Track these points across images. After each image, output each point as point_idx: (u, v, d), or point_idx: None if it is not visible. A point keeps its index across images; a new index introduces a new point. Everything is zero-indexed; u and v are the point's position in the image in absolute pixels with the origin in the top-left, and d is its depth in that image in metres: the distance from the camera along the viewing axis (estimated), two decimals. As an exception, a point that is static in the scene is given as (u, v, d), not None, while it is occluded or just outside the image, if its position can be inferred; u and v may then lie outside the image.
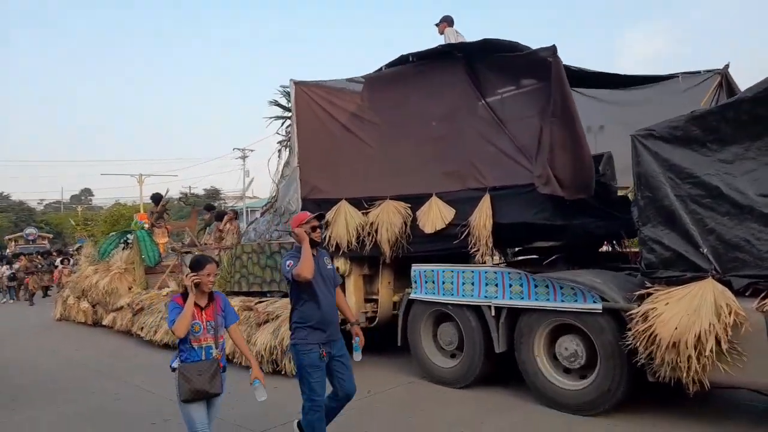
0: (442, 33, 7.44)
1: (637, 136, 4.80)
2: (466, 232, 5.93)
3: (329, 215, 7.01)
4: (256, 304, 7.74)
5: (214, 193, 56.90)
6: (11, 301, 19.76)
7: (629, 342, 4.57)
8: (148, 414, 5.89)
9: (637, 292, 4.70)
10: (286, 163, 7.60)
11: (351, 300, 7.21)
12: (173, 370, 3.79)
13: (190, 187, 55.01)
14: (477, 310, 5.88)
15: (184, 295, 3.73)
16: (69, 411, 6.18)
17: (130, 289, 11.55)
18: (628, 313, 4.67)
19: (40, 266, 19.08)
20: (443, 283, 6.12)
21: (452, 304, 6.05)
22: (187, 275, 3.84)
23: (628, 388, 4.91)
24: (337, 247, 6.99)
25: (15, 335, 12.06)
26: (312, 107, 7.41)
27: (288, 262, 4.18)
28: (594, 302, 4.94)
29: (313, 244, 4.28)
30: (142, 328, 9.63)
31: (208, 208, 13.91)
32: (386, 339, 7.03)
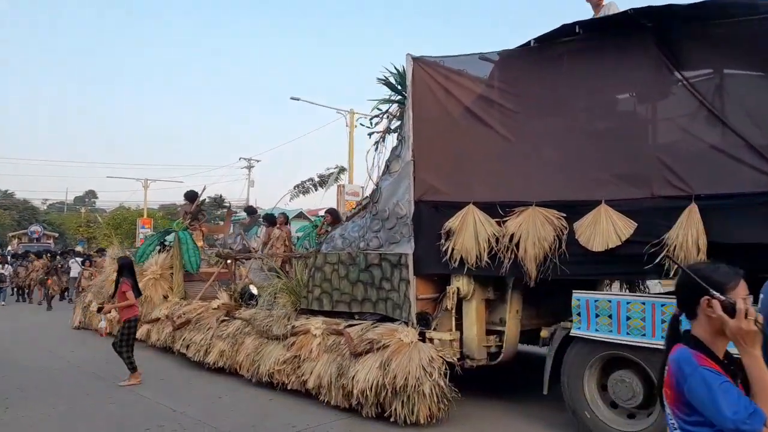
0: (598, 5, 6.02)
1: None
2: (657, 253, 4.53)
3: (452, 223, 5.61)
4: (345, 327, 6.29)
5: (218, 201, 55.93)
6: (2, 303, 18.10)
7: None
8: None
9: None
10: (395, 156, 6.17)
11: (471, 331, 5.80)
12: None
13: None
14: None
15: (706, 352, 1.84)
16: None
17: (165, 298, 10.10)
18: None
19: (60, 266, 17.47)
20: (627, 318, 4.66)
21: (641, 348, 4.59)
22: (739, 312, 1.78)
23: None
24: (461, 262, 5.57)
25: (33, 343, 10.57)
26: (432, 89, 6.04)
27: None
28: None
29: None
30: (188, 346, 8.17)
31: (250, 211, 12.48)
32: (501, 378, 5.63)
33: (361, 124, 7.59)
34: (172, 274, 10.35)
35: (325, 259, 6.89)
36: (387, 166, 6.34)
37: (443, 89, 6.02)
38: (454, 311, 5.80)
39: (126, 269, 8.05)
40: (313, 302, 6.93)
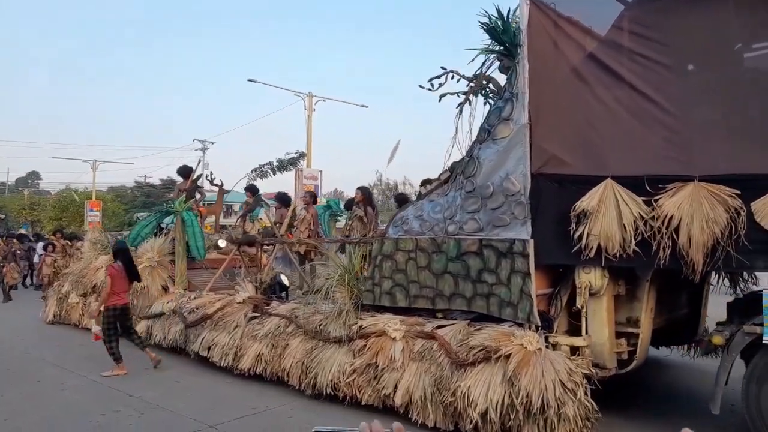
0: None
1: None
2: None
3: (587, 203, 4.50)
4: (436, 329, 5.13)
5: (170, 184, 53.70)
6: None
7: None
8: None
9: None
10: (502, 120, 4.99)
11: (602, 334, 4.73)
12: None
13: (145, 176, 51.86)
14: None
15: None
16: None
17: (165, 289, 8.66)
18: None
19: (18, 252, 15.42)
20: None
21: None
22: None
23: None
24: (598, 251, 4.48)
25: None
26: (553, 37, 4.90)
27: None
28: None
29: None
30: (209, 348, 6.81)
31: (252, 190, 11.03)
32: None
33: (420, 87, 6.33)
34: (172, 261, 8.89)
35: (396, 245, 5.67)
36: (488, 132, 5.15)
37: (568, 38, 4.89)
38: (585, 311, 4.71)
39: (120, 255, 7.17)
40: (382, 297, 5.71)
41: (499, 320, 4.94)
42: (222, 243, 10.13)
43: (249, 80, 27.26)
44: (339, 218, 10.90)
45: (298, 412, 5.41)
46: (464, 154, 5.45)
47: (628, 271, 4.86)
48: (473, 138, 5.47)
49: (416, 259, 5.50)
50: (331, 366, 5.50)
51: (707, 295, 6.05)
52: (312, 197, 9.60)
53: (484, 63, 5.54)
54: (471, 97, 5.74)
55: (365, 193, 8.47)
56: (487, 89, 6.05)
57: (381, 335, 5.31)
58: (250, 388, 6.09)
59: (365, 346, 5.37)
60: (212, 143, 50.18)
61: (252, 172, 14.06)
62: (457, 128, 5.62)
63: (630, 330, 4.91)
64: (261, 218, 11.17)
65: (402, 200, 8.84)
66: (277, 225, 8.91)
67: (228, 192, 12.20)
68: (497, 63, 5.52)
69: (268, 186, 16.64)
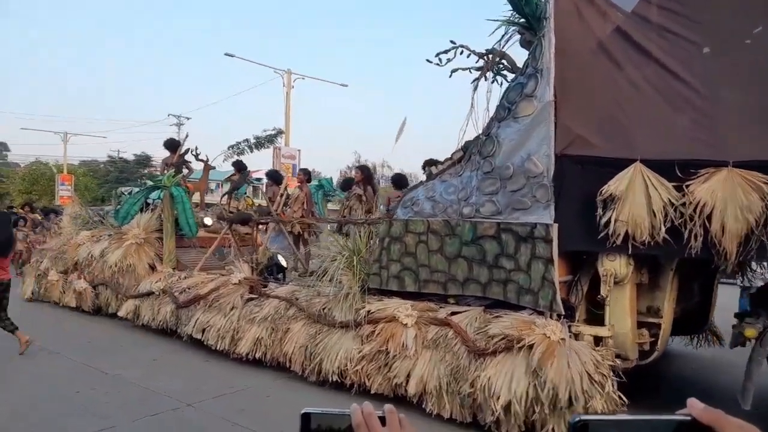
0: None
1: None
2: None
3: (615, 187, 4.29)
4: (449, 315, 4.91)
5: (144, 160, 52.68)
6: None
7: None
8: None
9: None
10: (524, 97, 4.73)
11: (624, 324, 4.58)
12: None
13: (119, 150, 50.75)
14: None
15: None
16: None
17: (152, 268, 8.29)
18: None
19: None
20: None
21: None
22: None
23: None
24: (625, 238, 4.28)
25: None
26: (581, 11, 4.66)
27: None
28: None
29: None
30: (203, 330, 6.51)
31: (238, 166, 10.62)
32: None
33: (428, 61, 6.03)
34: (159, 239, 8.52)
35: (405, 227, 5.41)
36: (508, 109, 4.88)
37: (593, 9, 4.64)
38: (609, 299, 4.53)
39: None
40: (389, 281, 5.46)
41: (516, 307, 4.74)
42: (209, 221, 9.77)
43: (226, 54, 26.59)
44: (330, 198, 10.59)
45: (276, 391, 5.38)
46: (481, 132, 5.18)
47: (651, 259, 4.69)
48: (489, 115, 5.21)
49: (427, 242, 5.26)
50: (338, 352, 5.26)
51: (717, 284, 5.96)
52: (306, 175, 9.26)
53: (503, 37, 5.25)
54: (487, 73, 5.44)
55: (365, 172, 8.19)
56: (500, 65, 5.78)
57: (391, 321, 5.07)
58: (229, 368, 6.02)
59: (374, 332, 5.14)
60: (188, 118, 49.54)
61: (228, 149, 13.70)
62: (472, 104, 5.34)
63: (651, 320, 4.76)
64: (247, 196, 10.78)
65: (399, 181, 8.59)
66: (271, 203, 8.57)
67: (213, 168, 11.76)
68: (517, 37, 5.24)
69: (247, 164, 16.22)
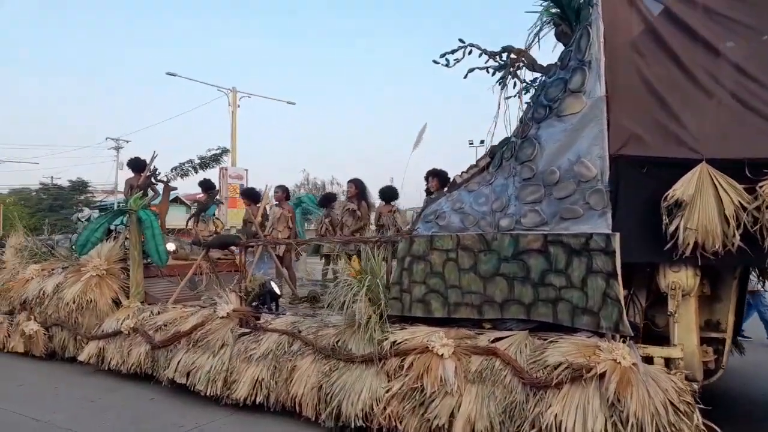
0: None
1: None
2: None
3: (680, 190, 3.82)
4: (493, 341, 4.30)
5: (80, 185, 50.39)
6: None
7: None
8: None
9: None
10: (568, 93, 4.23)
11: (690, 341, 4.09)
12: None
13: (52, 177, 48.36)
14: None
15: None
16: None
17: (117, 303, 7.31)
18: None
19: None
20: None
21: None
22: None
23: None
24: (694, 247, 3.81)
25: None
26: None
27: None
28: None
29: None
30: (188, 374, 5.65)
31: (206, 186, 9.76)
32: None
33: (434, 62, 5.50)
34: (123, 269, 7.56)
35: (430, 244, 4.79)
36: (548, 107, 4.37)
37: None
38: (676, 316, 4.03)
39: None
40: (413, 306, 4.81)
41: (564, 329, 4.19)
42: (171, 246, 8.85)
43: (168, 74, 25.90)
44: (310, 217, 9.87)
45: (230, 427, 4.96)
46: (513, 135, 4.65)
47: (711, 269, 4.24)
48: (517, 116, 4.71)
49: (458, 260, 4.65)
50: (359, 392, 4.55)
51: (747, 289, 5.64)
52: (285, 192, 8.51)
53: (540, 28, 4.77)
54: (510, 70, 4.95)
55: (359, 186, 7.52)
56: (521, 63, 5.31)
57: (423, 352, 4.42)
58: (174, 404, 5.58)
59: (402, 365, 4.47)
60: (127, 141, 48.20)
61: (172, 171, 12.86)
62: (499, 106, 4.83)
63: (713, 335, 4.30)
64: (216, 218, 9.90)
65: (388, 193, 8.01)
66: (249, 224, 7.78)
67: (175, 189, 10.81)
68: (547, 30, 4.79)
69: (189, 186, 15.40)
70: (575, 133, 4.18)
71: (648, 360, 3.93)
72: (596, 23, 4.12)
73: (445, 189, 5.14)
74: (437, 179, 7.08)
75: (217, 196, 10.18)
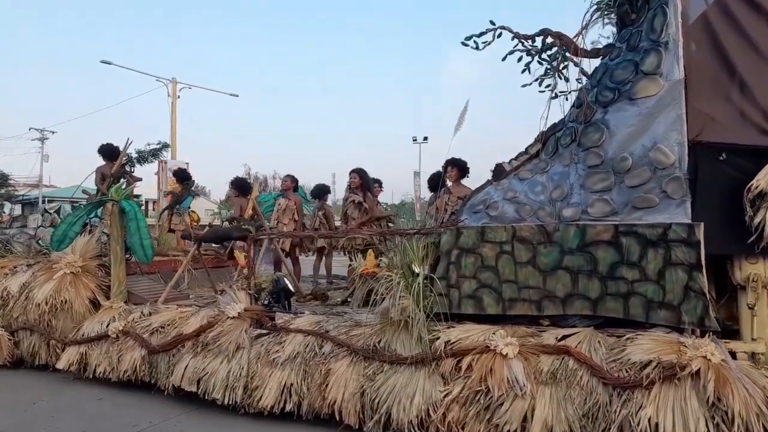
0: None
1: None
2: None
3: (763, 181, 3.67)
4: (560, 339, 4.02)
5: (1, 178, 47.17)
6: None
7: None
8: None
9: None
10: (641, 76, 4.00)
11: (765, 335, 3.92)
12: None
13: None
14: None
15: None
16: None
17: (95, 304, 6.58)
18: None
19: None
20: None
21: None
22: None
23: None
24: (779, 238, 3.67)
25: None
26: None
27: None
28: None
29: None
30: (198, 381, 5.08)
31: (181, 176, 9.04)
32: None
33: (463, 44, 5.17)
34: (102, 265, 6.83)
35: (481, 236, 4.45)
36: (616, 90, 4.13)
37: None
38: (756, 310, 3.87)
39: None
40: (462, 302, 4.46)
41: (635, 325, 3.97)
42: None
43: (102, 62, 24.54)
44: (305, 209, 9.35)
45: (188, 426, 4.76)
46: (568, 119, 4.38)
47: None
48: (565, 102, 4.45)
49: (513, 253, 4.34)
50: (411, 396, 4.16)
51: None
52: (294, 182, 7.96)
53: (601, 9, 4.51)
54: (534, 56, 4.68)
55: (363, 177, 7.09)
56: (555, 46, 5.05)
57: (483, 352, 4.08)
58: (125, 403, 5.38)
59: (460, 367, 4.12)
60: (53, 132, 45.81)
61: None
62: (556, 95, 4.53)
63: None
64: (192, 211, 9.19)
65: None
66: (240, 217, 7.20)
67: (140, 180, 9.99)
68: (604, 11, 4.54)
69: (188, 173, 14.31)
70: (650, 118, 3.96)
71: (731, 356, 3.75)
72: (673, 2, 3.91)
73: (489, 178, 4.79)
74: (456, 168, 6.77)
75: (193, 187, 9.42)
